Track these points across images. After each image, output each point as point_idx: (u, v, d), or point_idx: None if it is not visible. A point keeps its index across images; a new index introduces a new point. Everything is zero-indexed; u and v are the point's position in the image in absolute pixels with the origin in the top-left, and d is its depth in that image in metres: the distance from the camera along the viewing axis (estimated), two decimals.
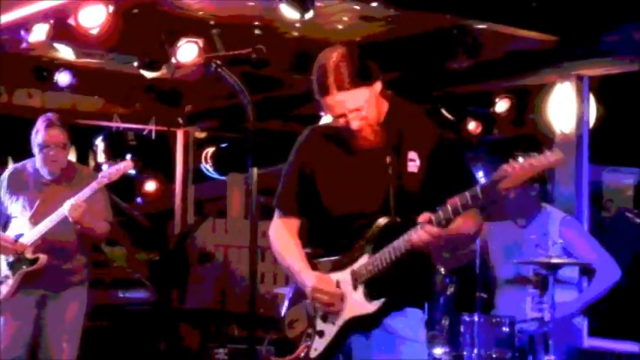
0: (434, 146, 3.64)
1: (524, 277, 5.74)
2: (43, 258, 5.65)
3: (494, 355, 5.45)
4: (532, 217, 5.86)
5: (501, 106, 8.66)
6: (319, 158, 3.81)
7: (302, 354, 3.79)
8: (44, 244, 5.67)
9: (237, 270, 10.29)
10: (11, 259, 5.69)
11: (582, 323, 5.86)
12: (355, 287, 3.65)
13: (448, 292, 5.76)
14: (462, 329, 5.53)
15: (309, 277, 3.75)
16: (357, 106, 3.55)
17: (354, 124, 3.58)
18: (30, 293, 5.75)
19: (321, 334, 3.75)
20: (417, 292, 3.77)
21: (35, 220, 5.67)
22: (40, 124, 5.76)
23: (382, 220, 3.61)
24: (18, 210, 5.78)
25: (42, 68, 8.25)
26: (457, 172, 3.62)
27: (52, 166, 5.76)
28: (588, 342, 6.09)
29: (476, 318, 5.50)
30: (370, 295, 3.62)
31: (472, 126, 9.24)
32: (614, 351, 6.27)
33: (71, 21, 6.22)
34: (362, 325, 3.67)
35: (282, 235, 3.94)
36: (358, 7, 6.50)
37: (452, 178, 3.56)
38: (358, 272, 3.64)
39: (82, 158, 10.49)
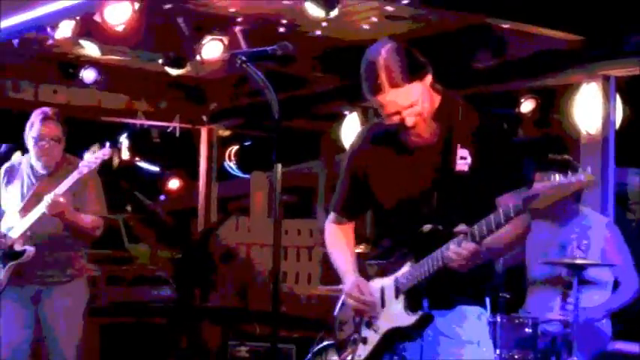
0: (488, 143, 3.52)
1: (557, 277, 5.69)
2: (30, 250, 5.57)
3: (516, 356, 5.40)
4: (570, 218, 5.79)
5: (526, 106, 8.61)
6: (372, 161, 3.75)
7: (348, 357, 3.77)
8: (33, 236, 5.61)
9: (259, 268, 10.30)
10: (1, 252, 5.63)
11: (606, 326, 5.81)
12: (397, 296, 3.61)
13: None
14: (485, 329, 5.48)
15: (347, 281, 3.76)
16: (411, 102, 3.45)
17: (409, 121, 3.48)
18: (24, 290, 5.70)
19: (365, 341, 3.72)
20: (468, 288, 3.63)
21: (24, 213, 5.61)
22: (35, 117, 5.69)
23: (424, 228, 3.53)
24: (10, 205, 5.75)
25: (67, 65, 8.28)
26: (509, 171, 3.50)
27: (47, 160, 5.69)
28: (612, 345, 6.03)
29: (498, 318, 5.46)
30: (410, 307, 3.57)
31: None
32: (638, 354, 6.21)
33: (97, 18, 6.25)
34: (403, 335, 3.61)
35: (335, 236, 3.96)
36: (383, 6, 6.49)
37: (503, 178, 3.47)
38: (400, 281, 3.60)
39: None
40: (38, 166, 5.73)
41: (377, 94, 3.46)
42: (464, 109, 3.62)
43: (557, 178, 3.13)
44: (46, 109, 5.76)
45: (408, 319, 3.56)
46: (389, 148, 3.68)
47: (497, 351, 5.41)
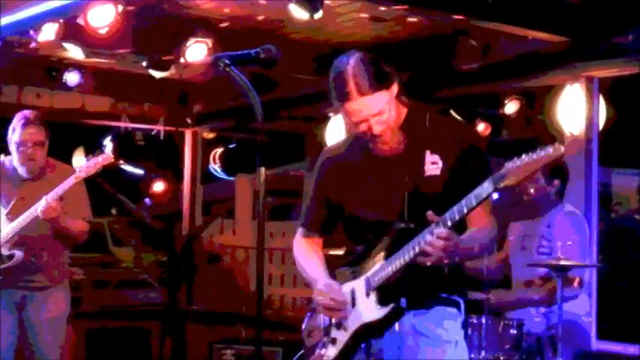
0: (458, 147, 3.63)
1: (536, 277, 5.69)
2: (18, 255, 5.57)
3: (501, 358, 5.40)
4: (547, 212, 5.79)
5: (511, 107, 8.62)
6: (342, 177, 3.83)
7: None
8: (21, 240, 5.60)
9: (244, 271, 10.29)
10: None
11: (589, 324, 5.82)
12: (368, 294, 3.66)
13: None
14: (469, 331, 5.49)
15: (319, 282, 3.80)
16: (378, 109, 3.55)
17: (377, 129, 3.58)
18: (9, 296, 5.68)
19: (334, 341, 3.76)
20: (444, 290, 3.72)
21: (12, 217, 5.59)
22: (16, 122, 5.66)
23: (396, 227, 3.61)
24: None
25: (51, 68, 8.25)
26: (480, 173, 3.52)
27: (30, 165, 5.68)
28: (597, 345, 6.06)
29: (483, 320, 5.47)
30: (381, 301, 3.62)
31: (481, 127, 9.22)
32: (622, 354, 6.24)
33: (80, 21, 6.22)
34: (373, 331, 3.66)
35: (304, 249, 4.02)
36: (368, 8, 6.49)
37: (474, 180, 3.49)
38: (371, 279, 3.65)
39: None
40: (22, 171, 5.71)
41: (345, 101, 3.56)
42: (431, 117, 3.73)
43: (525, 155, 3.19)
44: (27, 112, 5.72)
45: (379, 313, 3.61)
46: (358, 161, 3.78)
47: (483, 352, 5.42)
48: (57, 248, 5.78)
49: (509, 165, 3.21)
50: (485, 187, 3.27)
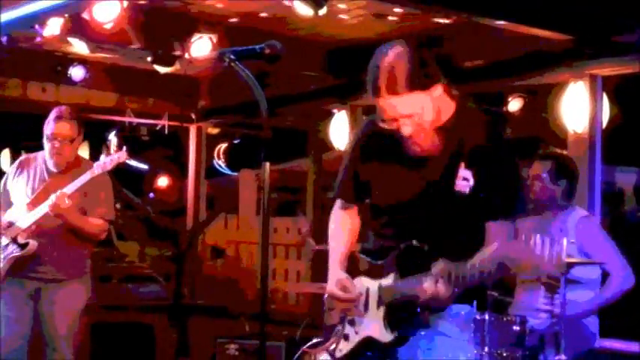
0: (493, 168, 3.40)
1: (544, 275, 5.67)
2: (32, 244, 5.61)
3: (504, 354, 5.41)
4: (557, 213, 5.77)
5: (514, 105, 8.64)
6: (373, 158, 3.65)
7: (330, 347, 3.77)
8: (39, 230, 5.65)
9: (248, 266, 10.31)
10: (4, 242, 5.66)
11: (594, 323, 5.82)
12: (379, 306, 3.60)
13: None
14: (472, 328, 5.50)
15: (331, 278, 3.74)
16: (409, 112, 3.32)
17: (405, 130, 3.36)
18: (24, 287, 5.73)
19: (346, 337, 3.73)
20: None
21: (32, 207, 5.65)
22: (51, 115, 5.76)
23: (411, 244, 3.48)
24: (19, 196, 5.79)
25: (56, 63, 8.27)
26: (508, 198, 3.44)
27: (57, 159, 5.75)
28: (600, 342, 6.06)
29: (486, 317, 5.47)
30: (388, 322, 3.55)
31: None
32: (626, 352, 6.24)
33: (85, 15, 6.24)
34: (378, 347, 3.60)
35: (336, 223, 3.87)
36: (371, 5, 6.50)
37: (501, 204, 3.40)
38: (383, 294, 3.57)
39: (95, 153, 10.49)
40: (50, 164, 5.80)
41: (375, 96, 3.36)
42: (479, 125, 3.49)
43: (538, 246, 3.04)
44: (62, 108, 5.84)
45: (385, 336, 3.55)
46: (389, 149, 3.56)
47: (486, 349, 5.42)
48: (73, 243, 5.80)
49: (520, 251, 3.07)
50: (493, 270, 3.13)
